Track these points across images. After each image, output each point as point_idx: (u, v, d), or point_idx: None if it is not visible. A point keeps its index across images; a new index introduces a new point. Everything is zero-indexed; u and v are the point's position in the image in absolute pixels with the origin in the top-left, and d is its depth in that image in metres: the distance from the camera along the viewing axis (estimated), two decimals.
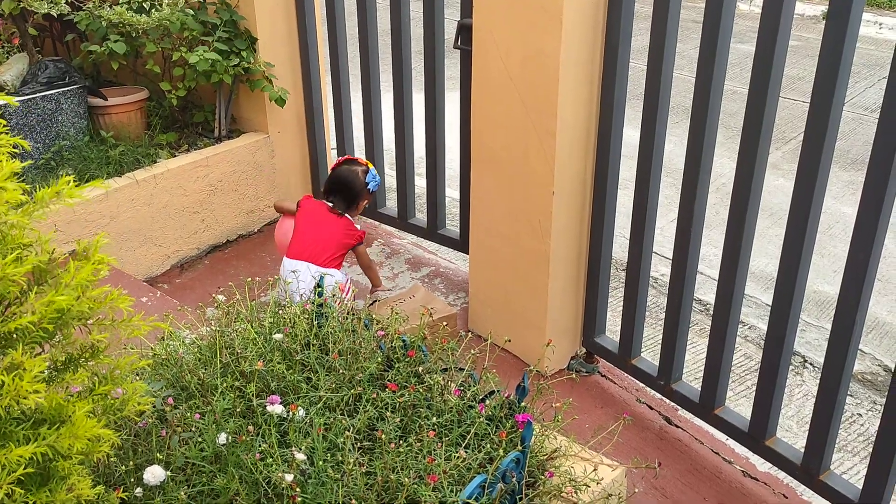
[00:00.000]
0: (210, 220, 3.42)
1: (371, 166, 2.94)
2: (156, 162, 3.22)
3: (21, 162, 3.35)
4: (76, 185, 0.95)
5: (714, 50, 2.09)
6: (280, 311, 1.88)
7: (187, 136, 3.51)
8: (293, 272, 2.71)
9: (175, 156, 3.31)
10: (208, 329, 1.85)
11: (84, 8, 3.16)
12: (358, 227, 2.93)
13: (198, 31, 3.16)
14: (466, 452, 1.49)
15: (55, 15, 3.08)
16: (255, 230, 3.65)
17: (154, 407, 1.56)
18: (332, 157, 3.86)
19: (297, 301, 2.75)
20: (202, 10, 3.24)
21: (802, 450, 2.22)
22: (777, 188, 4.23)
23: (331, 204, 2.88)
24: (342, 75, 3.42)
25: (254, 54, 3.30)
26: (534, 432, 1.62)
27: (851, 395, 2.80)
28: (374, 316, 1.89)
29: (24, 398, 0.84)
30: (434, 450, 1.48)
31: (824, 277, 3.51)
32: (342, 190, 2.89)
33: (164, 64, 3.41)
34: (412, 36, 3.10)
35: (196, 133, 3.54)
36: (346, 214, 2.88)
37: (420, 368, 1.70)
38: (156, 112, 3.50)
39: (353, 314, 1.88)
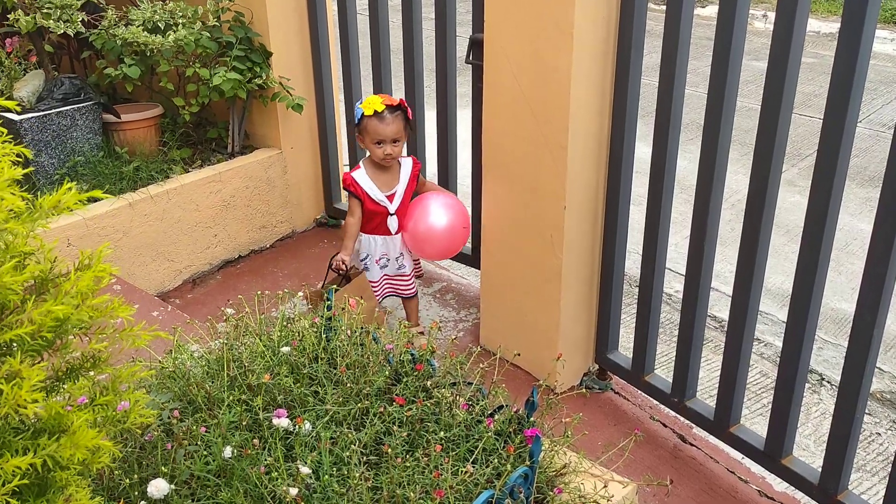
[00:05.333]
0: (223, 236, 3.43)
1: (380, 98, 2.63)
2: (169, 177, 3.23)
3: (32, 176, 3.32)
4: (78, 196, 0.95)
5: (726, 65, 2.08)
6: (288, 325, 1.87)
7: (201, 151, 3.53)
8: None
9: (188, 171, 3.33)
10: (218, 343, 1.84)
11: (100, 26, 3.20)
12: (353, 176, 2.73)
13: (213, 50, 3.19)
14: (474, 467, 1.47)
15: (71, 34, 3.12)
16: (268, 245, 3.65)
17: (160, 420, 1.55)
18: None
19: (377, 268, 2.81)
20: (217, 29, 3.26)
21: (820, 469, 2.18)
22: (794, 205, 4.19)
23: None
24: (355, 92, 3.43)
25: (268, 69, 3.32)
26: (543, 448, 1.60)
27: (870, 414, 2.75)
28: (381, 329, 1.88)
29: (23, 407, 0.83)
30: (441, 464, 1.46)
31: (842, 295, 3.46)
32: None
33: (178, 80, 3.44)
34: (424, 53, 3.11)
35: (210, 149, 3.56)
36: (363, 160, 2.77)
37: (428, 382, 1.68)
38: (170, 128, 3.52)
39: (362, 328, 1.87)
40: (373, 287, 2.78)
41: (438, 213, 2.75)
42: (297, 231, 3.78)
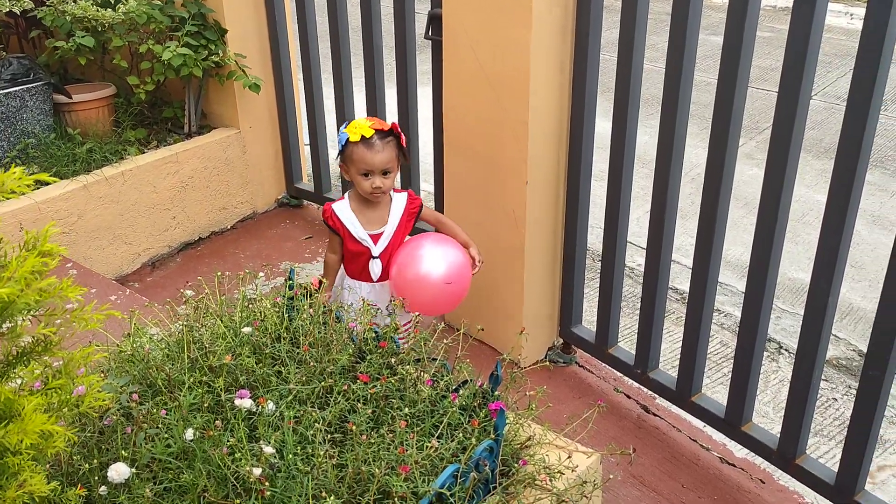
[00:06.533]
0: (181, 218, 3.38)
1: (368, 122, 2.24)
2: (124, 159, 3.17)
3: None
4: (25, 179, 0.92)
5: (683, 40, 2.08)
6: (250, 305, 1.85)
7: (156, 132, 3.46)
8: None
9: (144, 152, 3.26)
10: (178, 325, 1.81)
11: (48, 4, 3.11)
12: (333, 207, 2.34)
13: (165, 24, 3.12)
14: (439, 442, 1.47)
15: (18, 12, 3.02)
16: (228, 227, 3.60)
17: (119, 404, 1.53)
18: (306, 153, 3.83)
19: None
20: (169, 3, 3.19)
21: (779, 435, 2.23)
22: (752, 178, 4.25)
23: None
24: (314, 70, 3.39)
25: (223, 47, 3.26)
26: (507, 421, 1.60)
27: (827, 381, 2.82)
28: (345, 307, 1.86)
29: None
30: (406, 440, 1.46)
31: (799, 265, 3.53)
32: None
33: (131, 59, 3.36)
34: (384, 30, 3.08)
35: (166, 129, 3.49)
36: (349, 192, 2.37)
37: (392, 360, 1.68)
38: (124, 109, 3.45)
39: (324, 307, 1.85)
40: None
41: (428, 261, 2.25)
42: (259, 211, 3.73)
